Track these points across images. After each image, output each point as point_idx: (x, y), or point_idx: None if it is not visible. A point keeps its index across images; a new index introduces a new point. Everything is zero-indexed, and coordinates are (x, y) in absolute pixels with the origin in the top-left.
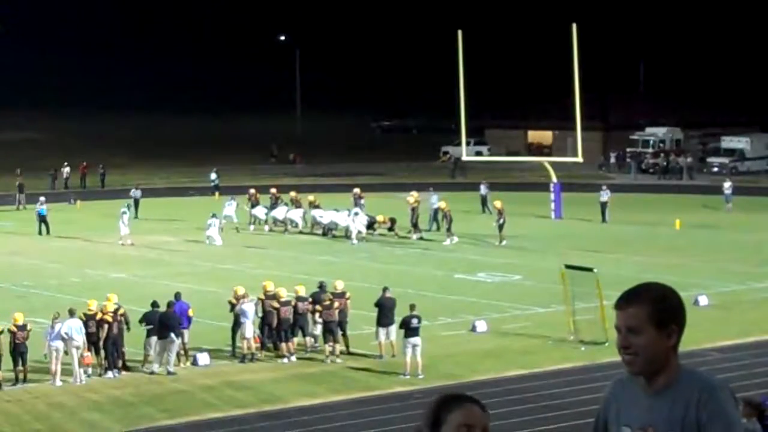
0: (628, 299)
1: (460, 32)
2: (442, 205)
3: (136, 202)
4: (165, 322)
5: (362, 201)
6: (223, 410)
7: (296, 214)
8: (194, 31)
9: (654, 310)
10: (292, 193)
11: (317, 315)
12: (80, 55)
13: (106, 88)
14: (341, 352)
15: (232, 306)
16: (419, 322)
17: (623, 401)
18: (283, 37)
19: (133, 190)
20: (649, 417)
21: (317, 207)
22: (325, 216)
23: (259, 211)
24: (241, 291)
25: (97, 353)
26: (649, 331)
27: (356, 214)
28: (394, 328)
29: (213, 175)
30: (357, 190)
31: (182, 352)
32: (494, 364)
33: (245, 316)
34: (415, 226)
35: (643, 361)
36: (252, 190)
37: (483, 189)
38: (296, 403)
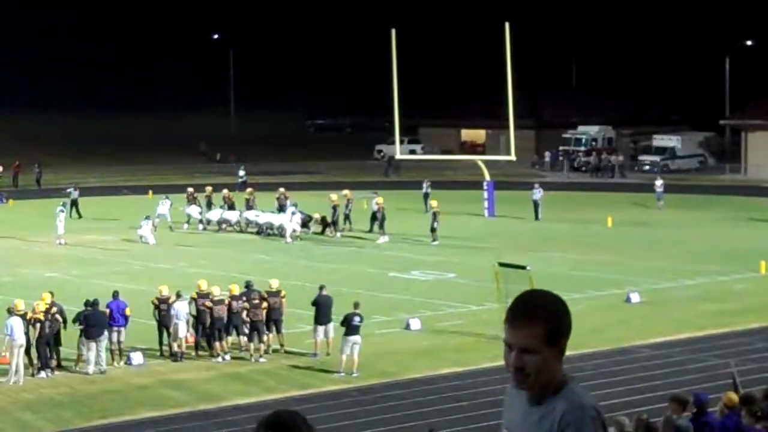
0: (525, 317)
1: (393, 31)
2: (379, 201)
3: (74, 202)
4: (90, 322)
5: (288, 201)
6: (157, 409)
7: (232, 216)
8: (126, 29)
9: (550, 328)
10: (225, 191)
11: (245, 314)
12: (9, 54)
13: (37, 88)
14: (266, 351)
15: (156, 306)
16: (361, 320)
17: (510, 405)
18: (216, 36)
19: (70, 190)
20: (522, 426)
21: (251, 207)
22: (261, 216)
23: (193, 210)
24: (165, 292)
25: (28, 353)
26: (543, 351)
27: (293, 213)
28: (332, 326)
29: (241, 172)
30: (282, 190)
31: (117, 351)
32: (428, 362)
33: (178, 317)
34: (335, 223)
35: (534, 380)
36: (190, 189)
37: (425, 187)
38: (231, 402)
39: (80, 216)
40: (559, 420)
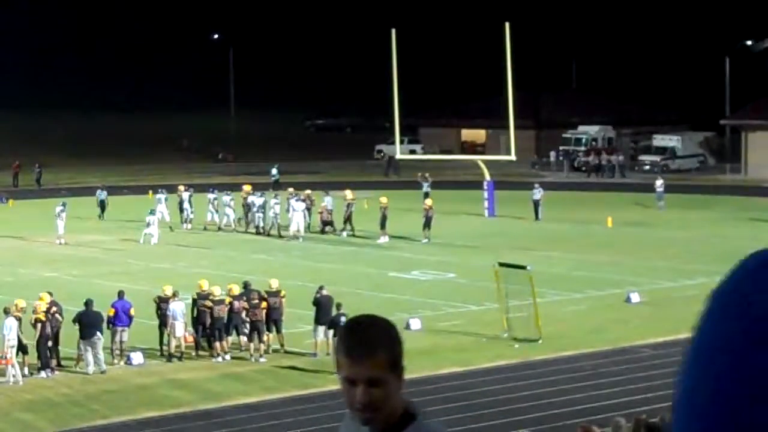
0: (366, 348)
1: (393, 31)
2: (383, 200)
3: (102, 203)
4: (85, 322)
5: (295, 198)
6: (157, 409)
7: (228, 208)
8: (127, 29)
9: (393, 355)
10: (247, 187)
11: (244, 314)
12: (8, 54)
13: (38, 87)
14: (266, 351)
15: (158, 305)
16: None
17: None
18: (216, 35)
19: (98, 191)
20: None
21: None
22: (256, 201)
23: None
24: (168, 291)
25: (26, 352)
26: (389, 380)
27: (295, 210)
28: None
29: (273, 170)
30: (291, 190)
31: (118, 351)
32: (428, 362)
33: (174, 316)
34: (347, 221)
35: (384, 415)
36: (181, 187)
37: (425, 186)
38: (231, 402)
39: (103, 217)
40: None
